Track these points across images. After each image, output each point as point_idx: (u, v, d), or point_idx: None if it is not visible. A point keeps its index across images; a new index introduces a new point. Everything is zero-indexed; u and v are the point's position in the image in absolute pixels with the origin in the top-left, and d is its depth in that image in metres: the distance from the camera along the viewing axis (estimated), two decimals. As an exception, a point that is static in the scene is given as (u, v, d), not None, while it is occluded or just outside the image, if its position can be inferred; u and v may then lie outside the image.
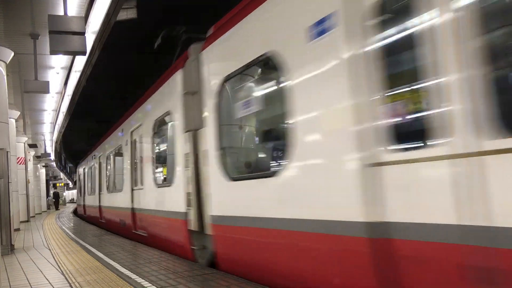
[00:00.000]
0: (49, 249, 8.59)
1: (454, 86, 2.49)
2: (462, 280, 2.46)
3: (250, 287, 4.34)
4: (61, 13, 8.26)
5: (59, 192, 47.50)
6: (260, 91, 5.03)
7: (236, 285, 4.46)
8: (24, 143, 20.82)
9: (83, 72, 11.88)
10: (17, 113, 16.14)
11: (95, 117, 24.78)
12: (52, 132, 23.52)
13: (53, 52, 7.22)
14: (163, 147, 8.42)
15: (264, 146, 5.27)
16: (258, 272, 4.44)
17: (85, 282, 5.05)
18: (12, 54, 10.58)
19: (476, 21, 2.40)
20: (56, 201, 40.12)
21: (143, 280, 4.95)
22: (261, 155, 5.39)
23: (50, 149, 29.30)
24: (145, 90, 9.37)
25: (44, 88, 10.48)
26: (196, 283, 4.65)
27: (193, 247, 6.16)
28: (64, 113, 17.47)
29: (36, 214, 27.03)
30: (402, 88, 3.12)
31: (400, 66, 3.24)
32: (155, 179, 8.16)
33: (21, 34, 9.83)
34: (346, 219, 3.15)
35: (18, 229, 13.99)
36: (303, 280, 3.66)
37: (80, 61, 11.61)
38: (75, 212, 29.90)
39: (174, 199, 6.76)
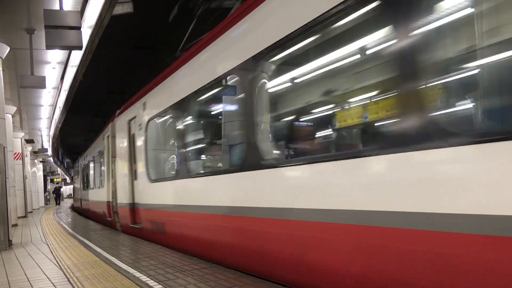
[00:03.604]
0: (47, 244, 8.59)
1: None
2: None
3: (248, 280, 4.36)
4: (57, 7, 8.20)
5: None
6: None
7: (235, 278, 4.48)
8: (21, 138, 20.78)
9: (79, 67, 11.83)
10: (13, 109, 16.10)
11: (92, 112, 24.71)
12: (49, 128, 23.46)
13: (49, 47, 7.19)
14: None
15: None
16: None
17: (83, 277, 5.06)
18: (8, 49, 10.53)
19: None
20: (57, 196, 40.18)
21: (141, 275, 4.96)
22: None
23: (47, 144, 29.22)
24: (142, 84, 9.34)
25: (41, 83, 10.44)
26: (194, 277, 4.66)
27: None
28: (61, 108, 17.41)
29: (33, 209, 27.02)
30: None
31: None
32: None
33: (16, 29, 9.78)
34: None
35: (15, 225, 13.99)
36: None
37: (77, 56, 11.56)
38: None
39: None
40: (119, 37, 13.25)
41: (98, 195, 15.00)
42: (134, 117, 9.26)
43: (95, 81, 16.44)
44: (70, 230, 11.57)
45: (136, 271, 5.19)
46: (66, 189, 74.64)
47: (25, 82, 10.29)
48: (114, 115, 11.77)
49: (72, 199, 38.52)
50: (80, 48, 7.36)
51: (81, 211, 22.07)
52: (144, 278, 4.79)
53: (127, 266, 5.55)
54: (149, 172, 8.32)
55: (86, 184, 20.12)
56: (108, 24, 9.04)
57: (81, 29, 7.24)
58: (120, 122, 10.73)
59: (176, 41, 12.58)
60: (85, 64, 11.48)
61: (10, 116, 15.49)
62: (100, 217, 14.50)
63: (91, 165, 17.71)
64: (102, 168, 14.14)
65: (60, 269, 5.70)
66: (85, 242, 8.51)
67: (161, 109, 7.56)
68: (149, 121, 8.26)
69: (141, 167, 8.72)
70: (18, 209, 16.27)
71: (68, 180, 67.92)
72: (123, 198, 10.15)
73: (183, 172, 6.56)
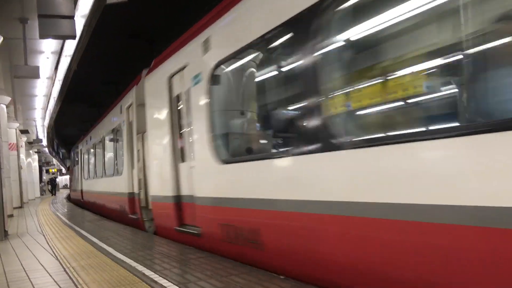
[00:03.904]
0: (43, 235, 8.60)
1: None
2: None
3: (245, 270, 4.38)
4: (50, -4, 8.12)
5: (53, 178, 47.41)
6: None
7: (231, 268, 4.51)
8: (16, 129, 20.67)
9: (73, 56, 11.75)
10: (8, 99, 15.99)
11: (87, 102, 24.62)
12: (44, 118, 23.36)
13: (43, 36, 7.13)
14: None
15: None
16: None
17: (80, 267, 5.07)
18: (1, 38, 10.43)
19: None
20: (53, 187, 40.33)
21: (137, 264, 4.98)
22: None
23: (42, 134, 29.12)
24: (136, 75, 9.25)
25: (35, 73, 10.36)
26: (191, 267, 4.69)
27: None
28: (56, 99, 17.31)
29: (29, 200, 26.99)
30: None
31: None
32: None
33: (9, 19, 9.67)
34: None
35: (11, 215, 13.98)
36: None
37: (71, 46, 11.47)
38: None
39: None
40: (113, 27, 13.16)
41: (111, 185, 11.80)
42: (182, 69, 6.37)
43: (90, 72, 16.35)
44: (66, 221, 11.58)
45: (132, 261, 5.21)
46: (62, 180, 74.54)
47: (19, 72, 10.22)
48: (139, 76, 8.85)
49: (68, 189, 38.42)
50: (73, 37, 7.30)
51: (83, 205, 19.15)
52: (140, 267, 4.81)
53: (124, 256, 5.57)
54: (218, 147, 5.36)
55: (90, 172, 16.70)
56: (101, 14, 8.96)
57: (75, 18, 7.17)
58: (153, 82, 7.73)
59: (171, 31, 12.53)
60: (79, 54, 11.40)
61: (4, 106, 15.38)
62: (115, 214, 11.47)
63: (99, 148, 14.44)
64: (119, 150, 11.05)
65: (56, 259, 5.71)
66: (81, 233, 8.52)
67: (254, 37, 4.51)
68: (217, 66, 5.31)
69: (199, 142, 5.78)
70: (13, 200, 16.26)
71: (64, 170, 67.81)
72: (159, 188, 7.45)
73: (326, 139, 3.55)
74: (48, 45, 11.81)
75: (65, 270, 4.97)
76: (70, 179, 29.58)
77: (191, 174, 6.19)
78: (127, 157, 9.78)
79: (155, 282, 4.11)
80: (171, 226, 6.88)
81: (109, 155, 12.78)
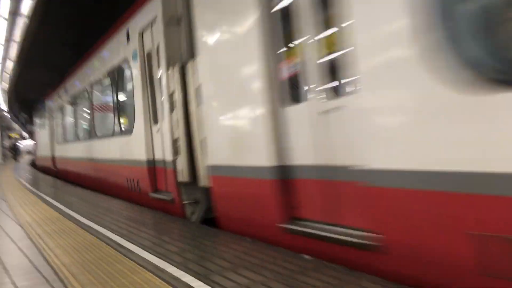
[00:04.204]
0: (5, 201, 8.40)
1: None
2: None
3: (210, 232, 4.43)
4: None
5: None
6: None
7: (197, 231, 4.55)
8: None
9: (32, 17, 11.20)
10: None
11: (47, 66, 23.68)
12: (2, 82, 22.43)
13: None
14: None
15: None
16: None
17: (44, 233, 5.00)
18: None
19: None
20: (15, 153, 39.37)
21: (104, 229, 4.95)
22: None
23: (2, 99, 28.05)
24: (101, 36, 8.87)
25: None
26: (157, 230, 4.70)
27: None
28: (14, 61, 16.59)
29: (-10, 166, 26.24)
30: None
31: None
32: None
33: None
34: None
35: (-29, 182, 13.57)
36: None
37: (28, 4, 10.91)
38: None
39: None
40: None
41: (109, 150, 8.76)
42: None
43: (49, 33, 15.66)
44: (30, 187, 11.33)
45: (98, 226, 5.17)
46: (24, 146, 72.39)
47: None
48: None
49: (32, 156, 37.37)
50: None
51: (58, 175, 15.49)
52: (107, 232, 4.78)
53: (89, 221, 5.52)
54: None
55: (68, 134, 13.27)
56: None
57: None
58: None
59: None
60: (37, 14, 10.87)
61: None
62: (118, 189, 8.27)
63: (84, 101, 11.13)
64: (124, 98, 8.13)
65: (19, 226, 5.61)
66: (45, 198, 8.37)
67: None
68: None
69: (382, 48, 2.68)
70: (-27, 166, 15.73)
71: (25, 135, 65.77)
72: (232, 153, 4.51)
73: None
74: (3, 4, 11.21)
75: (28, 236, 4.89)
76: (36, 144, 28.15)
77: (331, 124, 3.36)
78: (142, 108, 6.78)
79: (122, 246, 4.11)
80: (269, 222, 3.99)
81: (104, 108, 9.79)
